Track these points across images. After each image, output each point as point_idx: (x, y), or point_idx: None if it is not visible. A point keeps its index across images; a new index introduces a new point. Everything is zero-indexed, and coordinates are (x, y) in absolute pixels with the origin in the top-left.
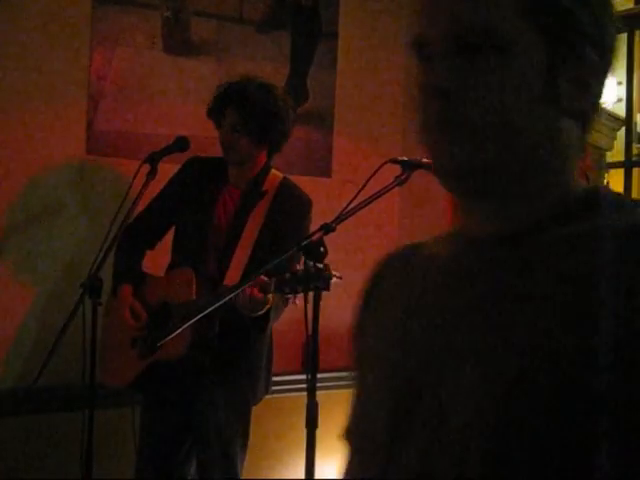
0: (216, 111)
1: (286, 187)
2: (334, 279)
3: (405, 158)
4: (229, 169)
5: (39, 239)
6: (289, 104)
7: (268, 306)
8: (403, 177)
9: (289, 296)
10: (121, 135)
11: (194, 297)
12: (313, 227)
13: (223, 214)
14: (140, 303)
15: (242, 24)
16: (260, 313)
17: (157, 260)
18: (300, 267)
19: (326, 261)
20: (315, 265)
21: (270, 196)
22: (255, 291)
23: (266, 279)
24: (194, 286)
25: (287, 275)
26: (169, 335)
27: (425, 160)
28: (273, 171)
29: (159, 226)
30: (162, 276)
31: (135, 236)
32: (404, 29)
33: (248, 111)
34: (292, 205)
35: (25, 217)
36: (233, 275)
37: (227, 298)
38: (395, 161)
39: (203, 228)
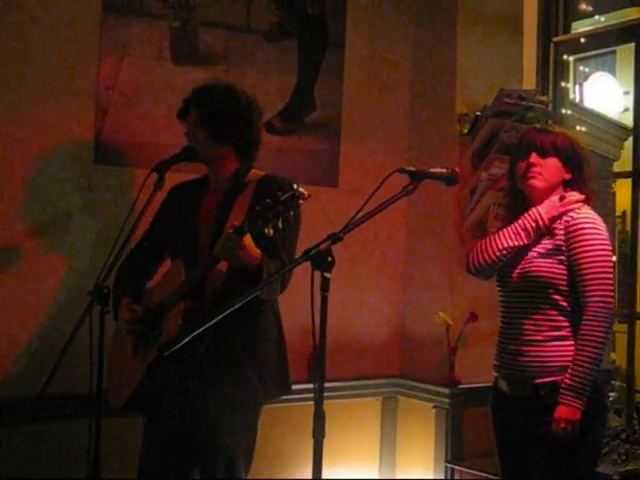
0: (182, 111)
1: (269, 178)
2: (301, 197)
3: (413, 168)
4: (209, 174)
5: (47, 248)
6: (253, 107)
7: (253, 253)
8: (411, 187)
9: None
10: (129, 145)
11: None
12: (320, 237)
13: (207, 212)
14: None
15: (250, 34)
16: (247, 264)
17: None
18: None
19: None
20: (281, 189)
21: (252, 186)
22: (227, 231)
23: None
24: (183, 275)
25: (257, 208)
26: (179, 342)
27: (432, 170)
28: (254, 170)
29: (153, 257)
30: (156, 283)
31: (131, 270)
32: (411, 39)
33: (207, 107)
34: (277, 189)
35: (34, 226)
36: (222, 264)
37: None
38: (403, 171)
39: (191, 230)
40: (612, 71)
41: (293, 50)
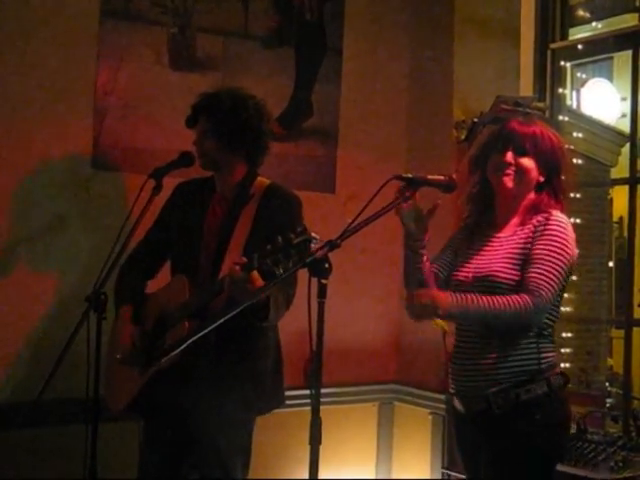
0: (191, 120)
1: (273, 189)
2: (314, 242)
3: (410, 175)
4: (215, 180)
5: (45, 253)
6: (263, 114)
7: (260, 290)
8: (408, 194)
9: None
10: (127, 150)
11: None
12: (317, 243)
13: (212, 221)
14: (139, 321)
15: (247, 40)
16: (254, 300)
17: (161, 282)
18: (279, 239)
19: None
20: (295, 232)
21: (257, 198)
22: (234, 268)
23: (245, 259)
24: (187, 290)
25: (267, 247)
26: (174, 350)
27: (430, 177)
28: (260, 178)
29: (156, 255)
30: (158, 290)
31: (134, 268)
32: (408, 46)
33: (217, 116)
34: (280, 204)
35: (31, 231)
36: None
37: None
38: (400, 178)
39: (195, 237)
40: (609, 77)
41: (291, 56)
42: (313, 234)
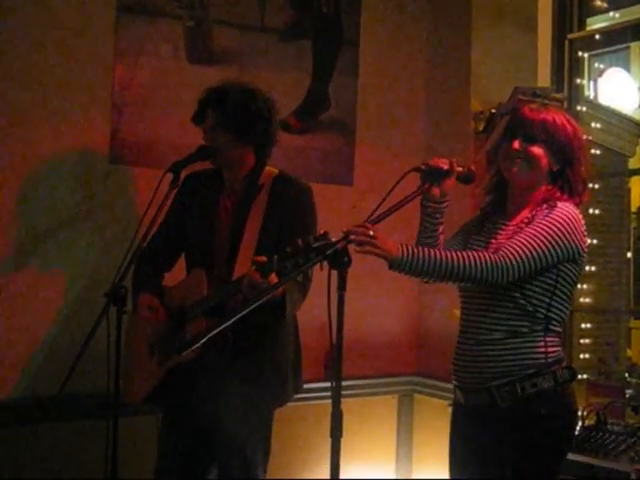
0: (199, 114)
1: (282, 179)
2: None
3: (426, 167)
4: (224, 174)
5: (64, 248)
6: (271, 106)
7: (274, 287)
8: (426, 186)
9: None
10: (144, 144)
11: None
12: (335, 236)
13: (224, 216)
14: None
15: (264, 33)
16: (270, 297)
17: (177, 276)
18: (299, 242)
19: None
20: (315, 236)
21: (267, 188)
22: (253, 273)
23: (264, 258)
24: (205, 285)
25: (287, 249)
26: (195, 343)
27: (448, 168)
28: (268, 168)
29: (171, 248)
30: (177, 283)
31: (150, 261)
32: (425, 36)
33: (225, 110)
34: (291, 194)
35: (49, 226)
36: (241, 271)
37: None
38: (419, 170)
39: (208, 234)
40: (626, 67)
41: (308, 49)
42: (332, 238)
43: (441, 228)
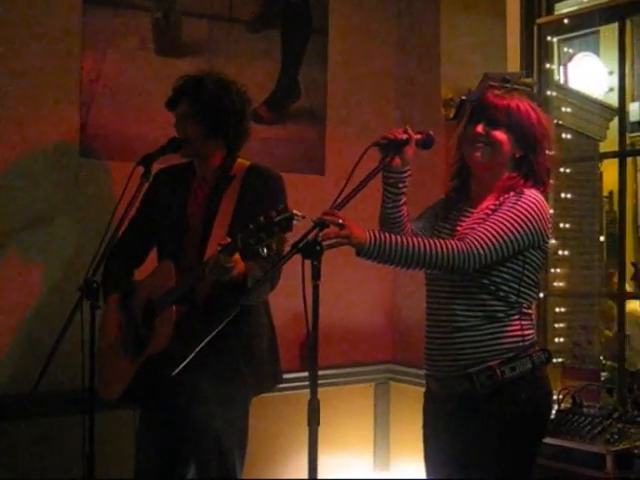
0: (172, 102)
1: (254, 169)
2: (296, 219)
3: (385, 140)
4: (195, 165)
5: (35, 244)
6: (245, 100)
7: (236, 269)
8: (388, 159)
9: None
10: (114, 138)
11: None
12: (307, 225)
13: (196, 205)
14: (127, 309)
15: (232, 23)
16: (230, 278)
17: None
18: (261, 218)
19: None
20: (277, 210)
21: (239, 179)
22: (218, 254)
23: (229, 239)
24: (173, 275)
25: (250, 227)
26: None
27: (404, 136)
28: (240, 160)
29: (142, 242)
30: (145, 276)
31: (120, 256)
32: (394, 24)
33: (199, 100)
34: (262, 183)
35: (20, 222)
36: None
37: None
38: (378, 144)
39: (179, 222)
40: (596, 51)
41: (276, 38)
42: (295, 211)
43: (404, 198)
